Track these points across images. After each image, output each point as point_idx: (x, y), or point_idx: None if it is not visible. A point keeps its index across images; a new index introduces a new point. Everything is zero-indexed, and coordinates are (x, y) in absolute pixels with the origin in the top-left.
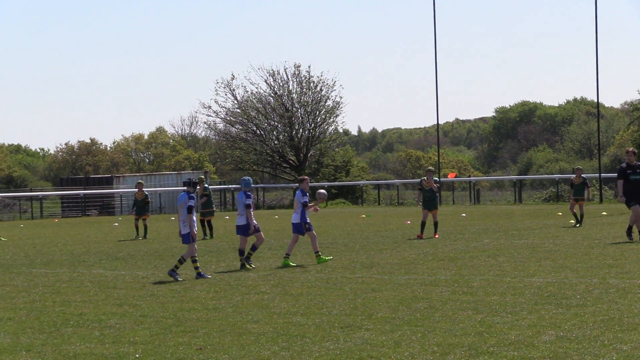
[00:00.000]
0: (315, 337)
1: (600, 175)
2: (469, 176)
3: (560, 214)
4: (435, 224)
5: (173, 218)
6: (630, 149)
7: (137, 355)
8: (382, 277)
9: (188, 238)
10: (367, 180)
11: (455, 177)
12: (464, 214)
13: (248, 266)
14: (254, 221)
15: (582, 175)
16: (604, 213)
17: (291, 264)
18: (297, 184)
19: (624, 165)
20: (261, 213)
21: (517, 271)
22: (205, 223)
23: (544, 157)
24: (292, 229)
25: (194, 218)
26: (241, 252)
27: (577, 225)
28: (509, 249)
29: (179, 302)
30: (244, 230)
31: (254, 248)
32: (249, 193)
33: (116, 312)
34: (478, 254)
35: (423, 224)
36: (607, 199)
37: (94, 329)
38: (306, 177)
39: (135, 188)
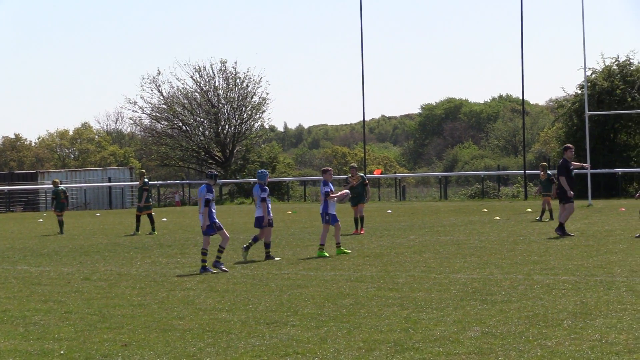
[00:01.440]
0: (240, 333)
1: (525, 172)
2: (395, 173)
3: (485, 210)
4: (362, 219)
5: (98, 214)
6: (570, 145)
7: (61, 352)
8: (308, 274)
9: (212, 229)
10: (293, 176)
11: (381, 173)
12: (389, 211)
13: (245, 256)
14: (271, 215)
15: (548, 171)
16: (529, 209)
17: (325, 254)
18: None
19: (561, 161)
20: (186, 209)
21: (442, 267)
22: (145, 217)
23: (469, 153)
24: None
25: (213, 210)
26: (267, 245)
27: (539, 219)
28: (435, 245)
29: (104, 298)
30: (261, 222)
31: (255, 239)
32: (265, 186)
33: (41, 309)
34: (404, 250)
35: (355, 220)
36: (532, 195)
37: (19, 325)
38: (329, 168)
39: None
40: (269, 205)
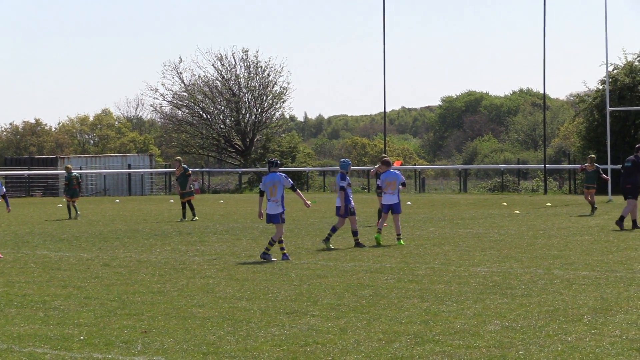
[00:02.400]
0: (260, 322)
1: (545, 166)
2: (414, 164)
3: (505, 203)
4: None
5: (117, 200)
6: None
7: (81, 338)
8: (328, 264)
9: (279, 218)
10: (312, 166)
11: (401, 165)
12: (409, 202)
13: (327, 245)
14: (352, 203)
15: (596, 164)
16: (549, 204)
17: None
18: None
19: (634, 157)
20: (206, 197)
21: (462, 260)
22: (186, 204)
23: (489, 147)
24: (384, 209)
25: (301, 194)
26: (354, 233)
27: (590, 214)
28: (454, 237)
29: (124, 284)
30: (339, 211)
31: (333, 229)
32: (346, 175)
33: (60, 294)
34: (423, 242)
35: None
36: (552, 190)
37: (38, 310)
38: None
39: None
40: (350, 194)
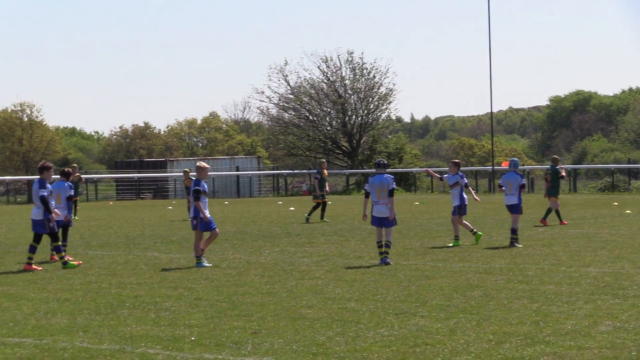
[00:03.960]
0: (369, 323)
1: None
2: (523, 165)
3: (615, 204)
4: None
5: (226, 202)
6: None
7: (192, 338)
8: (437, 265)
9: (390, 221)
10: (420, 167)
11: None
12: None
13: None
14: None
15: None
16: None
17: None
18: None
19: None
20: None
21: (572, 261)
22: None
23: (598, 146)
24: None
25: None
26: (514, 231)
27: None
28: (564, 238)
29: (234, 286)
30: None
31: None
32: (521, 174)
33: (171, 295)
34: (532, 242)
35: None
36: None
37: (150, 311)
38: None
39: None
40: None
